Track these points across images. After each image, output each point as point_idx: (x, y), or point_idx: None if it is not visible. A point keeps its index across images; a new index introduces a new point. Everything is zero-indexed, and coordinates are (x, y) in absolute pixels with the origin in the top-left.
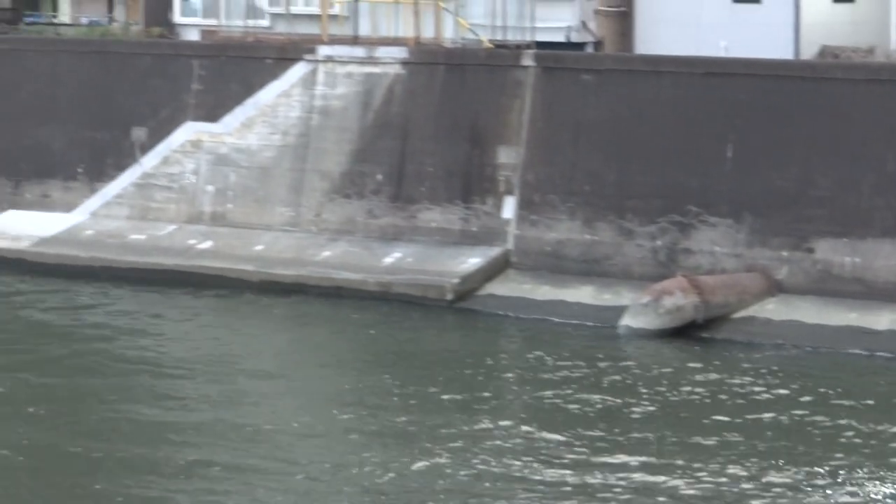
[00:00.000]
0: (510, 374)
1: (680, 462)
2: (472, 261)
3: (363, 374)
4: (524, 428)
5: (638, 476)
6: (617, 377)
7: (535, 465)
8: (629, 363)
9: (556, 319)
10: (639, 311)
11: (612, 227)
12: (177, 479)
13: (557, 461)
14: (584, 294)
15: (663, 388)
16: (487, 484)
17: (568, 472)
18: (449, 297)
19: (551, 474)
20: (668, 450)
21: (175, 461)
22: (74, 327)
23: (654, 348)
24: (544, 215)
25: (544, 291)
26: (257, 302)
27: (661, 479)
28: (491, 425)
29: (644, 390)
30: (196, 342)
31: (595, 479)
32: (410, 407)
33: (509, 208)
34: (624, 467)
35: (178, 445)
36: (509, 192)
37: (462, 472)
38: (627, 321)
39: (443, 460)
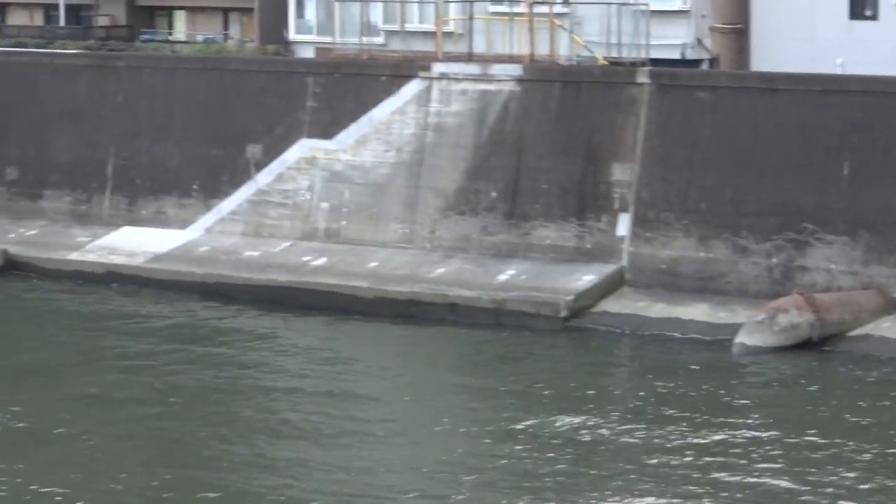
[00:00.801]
0: (626, 392)
1: (823, 478)
2: (587, 278)
3: (480, 391)
4: (646, 443)
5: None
6: (733, 394)
7: (663, 485)
8: (744, 381)
9: (671, 336)
10: (754, 328)
11: (727, 244)
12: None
13: (683, 480)
14: (698, 311)
15: (781, 405)
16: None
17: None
18: (563, 314)
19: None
20: (798, 464)
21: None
22: (190, 344)
23: (771, 366)
24: (659, 232)
25: (659, 309)
26: (371, 319)
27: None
28: (612, 442)
29: (761, 408)
30: (311, 358)
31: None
32: (527, 426)
33: (624, 225)
34: (754, 487)
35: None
36: (624, 209)
37: (579, 477)
38: (742, 338)
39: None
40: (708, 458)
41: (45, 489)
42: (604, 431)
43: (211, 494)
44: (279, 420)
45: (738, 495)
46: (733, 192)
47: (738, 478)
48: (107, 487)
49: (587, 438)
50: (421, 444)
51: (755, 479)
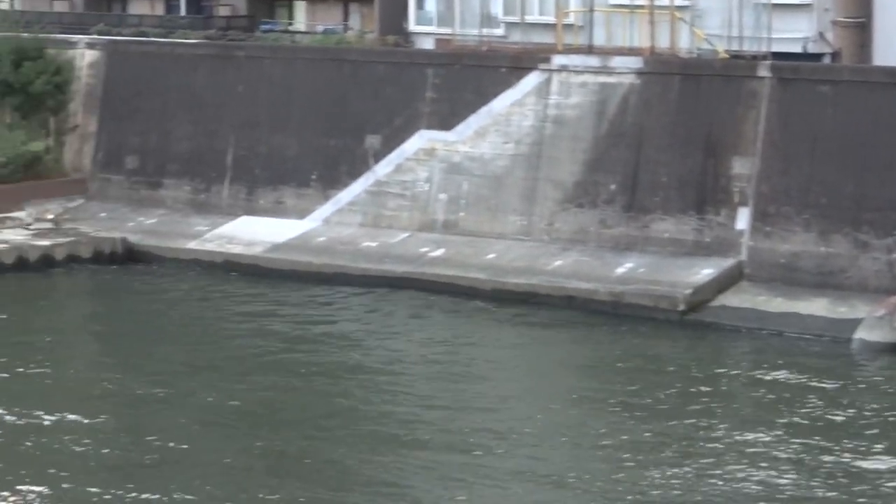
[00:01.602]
0: (744, 386)
1: None
2: (705, 272)
3: (597, 382)
4: (765, 439)
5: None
6: (853, 390)
7: (780, 477)
8: (865, 376)
9: (790, 332)
10: (874, 324)
11: (847, 239)
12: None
13: (805, 473)
14: (817, 307)
15: None
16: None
17: (816, 482)
18: (681, 308)
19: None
20: None
21: (416, 459)
22: (311, 333)
23: (891, 361)
24: (779, 227)
25: (777, 303)
26: (488, 310)
27: None
28: (733, 437)
29: (884, 402)
30: (430, 348)
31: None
32: (645, 416)
33: (743, 219)
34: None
35: (417, 445)
36: (743, 203)
37: (710, 483)
38: (862, 334)
39: (687, 470)
40: (828, 454)
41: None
42: (719, 433)
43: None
44: (405, 420)
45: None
46: (854, 187)
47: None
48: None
49: (708, 442)
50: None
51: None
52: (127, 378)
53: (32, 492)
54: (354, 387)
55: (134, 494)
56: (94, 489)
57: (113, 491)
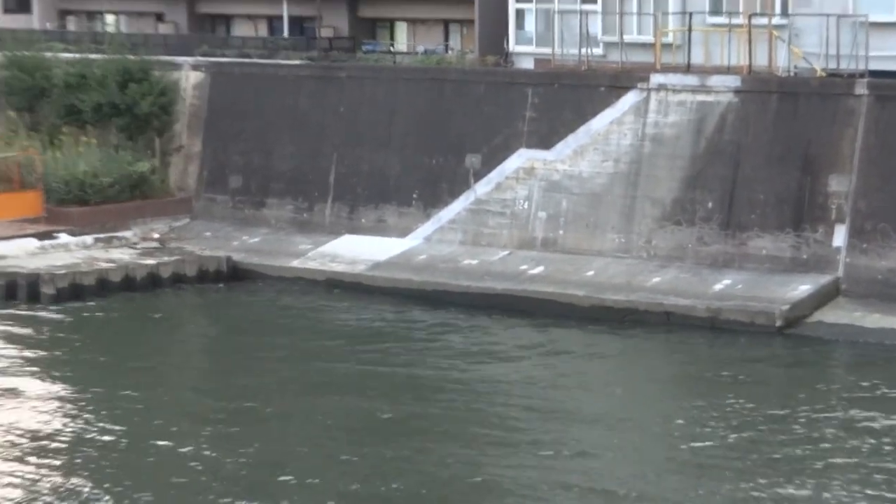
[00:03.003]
0: (846, 401)
1: None
2: (803, 288)
3: (699, 398)
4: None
5: None
6: None
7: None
8: None
9: (888, 346)
10: None
11: None
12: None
13: None
14: None
15: None
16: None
17: None
18: (778, 323)
19: None
20: None
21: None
22: (413, 350)
23: None
24: (876, 244)
25: (875, 319)
26: (588, 327)
27: None
28: (841, 454)
29: None
30: (530, 364)
31: None
32: (752, 432)
33: (840, 236)
34: None
35: (508, 464)
36: (840, 220)
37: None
38: None
39: (804, 492)
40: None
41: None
42: (829, 449)
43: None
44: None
45: None
46: None
47: None
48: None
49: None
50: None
51: None
52: (237, 396)
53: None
54: (452, 402)
55: None
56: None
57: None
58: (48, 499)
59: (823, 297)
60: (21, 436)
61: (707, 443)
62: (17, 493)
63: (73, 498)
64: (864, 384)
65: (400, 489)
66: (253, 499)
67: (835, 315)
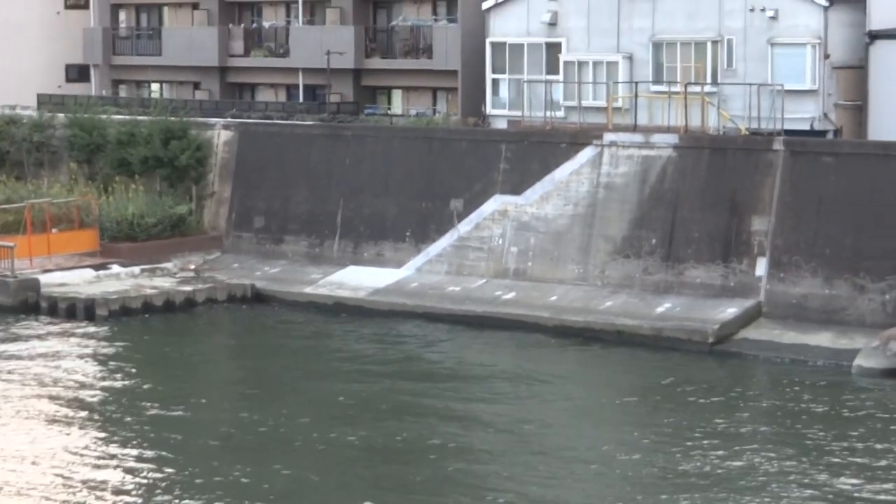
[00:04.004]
0: (765, 406)
1: None
2: (730, 310)
3: (646, 405)
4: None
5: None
6: (853, 407)
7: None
8: (863, 396)
9: (800, 360)
10: (870, 353)
11: (847, 283)
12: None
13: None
14: (823, 339)
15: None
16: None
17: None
18: (710, 339)
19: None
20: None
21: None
22: (406, 359)
23: (886, 384)
24: (791, 273)
25: (790, 336)
26: (551, 342)
27: None
28: (757, 457)
29: (880, 417)
30: (502, 372)
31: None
32: (689, 437)
33: (762, 267)
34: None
35: (487, 464)
36: (762, 253)
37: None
38: (860, 361)
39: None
40: (829, 458)
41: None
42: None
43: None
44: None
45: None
46: (853, 240)
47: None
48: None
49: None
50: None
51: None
52: (262, 411)
53: None
54: (450, 397)
55: None
56: None
57: None
58: None
59: (748, 318)
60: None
61: (642, 443)
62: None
63: None
64: (781, 390)
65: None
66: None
67: (757, 333)
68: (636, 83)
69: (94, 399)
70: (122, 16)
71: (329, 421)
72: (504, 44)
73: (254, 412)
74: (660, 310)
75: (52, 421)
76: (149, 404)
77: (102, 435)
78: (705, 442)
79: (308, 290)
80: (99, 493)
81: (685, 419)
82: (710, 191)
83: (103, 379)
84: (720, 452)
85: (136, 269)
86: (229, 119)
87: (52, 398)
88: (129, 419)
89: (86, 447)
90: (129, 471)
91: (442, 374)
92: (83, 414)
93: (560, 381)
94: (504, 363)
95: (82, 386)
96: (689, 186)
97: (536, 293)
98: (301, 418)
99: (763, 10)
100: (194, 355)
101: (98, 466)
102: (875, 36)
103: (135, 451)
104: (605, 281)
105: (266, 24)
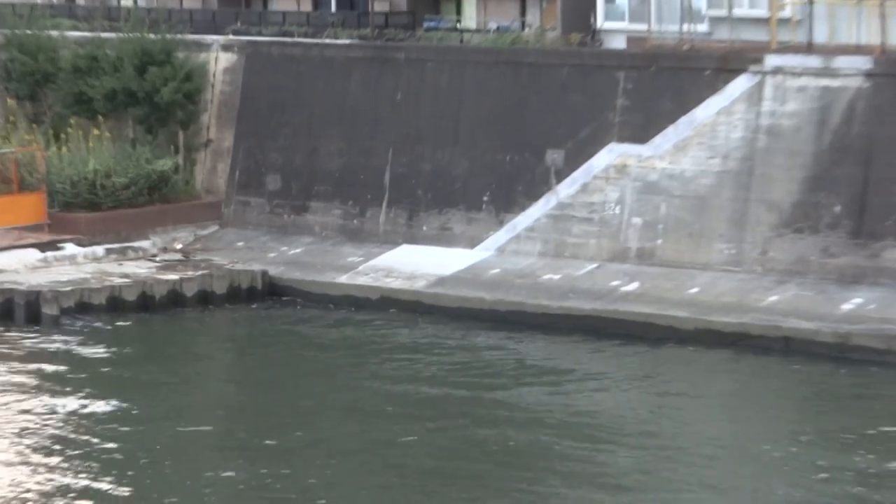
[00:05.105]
0: None
1: None
2: None
3: (825, 441)
4: None
5: None
6: None
7: None
8: None
9: None
10: None
11: None
12: None
13: None
14: None
15: None
16: None
17: None
18: None
19: None
20: None
21: None
22: (486, 382)
23: None
24: None
25: None
26: (691, 353)
27: None
28: None
29: None
30: (624, 398)
31: None
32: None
33: None
34: None
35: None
36: None
37: None
38: None
39: None
40: None
41: None
42: None
43: None
44: (609, 472)
45: None
46: None
47: None
48: None
49: None
50: None
51: None
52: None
53: None
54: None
55: None
56: None
57: None
58: None
59: None
60: None
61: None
62: None
63: None
64: None
65: None
66: None
67: None
68: None
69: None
70: None
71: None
72: None
73: None
74: (846, 308)
75: None
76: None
77: None
78: None
79: (343, 279)
80: None
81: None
82: None
83: (38, 431)
84: None
85: (100, 250)
86: (231, 37)
87: None
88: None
89: None
90: None
91: (551, 423)
92: None
93: (702, 412)
94: (622, 384)
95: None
96: (888, 132)
97: (669, 283)
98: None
99: None
100: (180, 387)
101: None
102: None
103: None
104: (768, 266)
105: None
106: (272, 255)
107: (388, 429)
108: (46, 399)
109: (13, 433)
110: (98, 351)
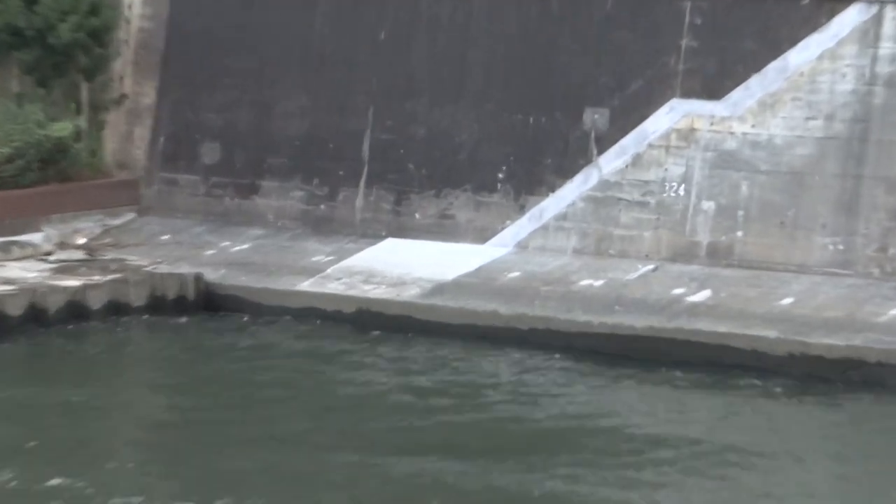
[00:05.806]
0: None
1: None
2: None
3: None
4: None
5: None
6: None
7: None
8: None
9: None
10: None
11: None
12: None
13: None
14: None
15: None
16: None
17: None
18: None
19: None
20: None
21: None
22: (509, 433)
23: None
24: None
25: None
26: (782, 388)
27: None
28: None
29: None
30: (698, 447)
31: None
32: None
33: None
34: None
35: None
36: None
37: None
38: None
39: None
40: None
41: None
42: None
43: None
44: None
45: None
46: None
47: None
48: None
49: None
50: None
51: None
52: None
53: None
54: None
55: None
56: None
57: None
58: None
59: None
60: None
61: None
62: None
63: None
64: None
65: None
66: None
67: None
68: None
69: None
70: None
71: None
72: None
73: None
74: None
75: None
76: None
77: None
78: None
79: (306, 285)
80: None
81: None
82: None
83: None
84: None
85: None
86: None
87: None
88: None
89: None
90: None
91: (591, 457)
92: None
93: (802, 463)
94: (690, 427)
95: None
96: None
97: (752, 292)
98: None
99: None
100: (76, 449)
101: None
102: None
103: None
104: (888, 268)
105: None
106: (209, 252)
107: None
108: None
109: None
110: None
